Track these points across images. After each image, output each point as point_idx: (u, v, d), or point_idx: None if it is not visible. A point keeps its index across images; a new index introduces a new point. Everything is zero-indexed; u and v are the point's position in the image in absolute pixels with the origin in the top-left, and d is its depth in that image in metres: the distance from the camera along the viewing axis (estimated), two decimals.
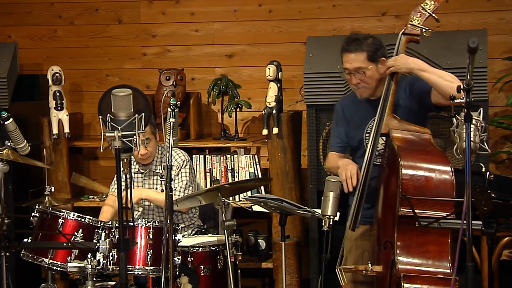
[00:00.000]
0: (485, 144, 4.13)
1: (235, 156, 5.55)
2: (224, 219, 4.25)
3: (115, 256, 4.23)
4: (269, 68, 5.37)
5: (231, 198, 4.83)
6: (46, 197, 4.91)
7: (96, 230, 4.38)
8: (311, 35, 5.50)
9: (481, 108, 4.19)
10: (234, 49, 6.05)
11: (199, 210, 5.12)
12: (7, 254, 4.22)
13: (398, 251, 3.75)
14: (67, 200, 5.57)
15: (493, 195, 3.32)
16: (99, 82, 6.20)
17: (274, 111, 5.32)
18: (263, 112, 5.36)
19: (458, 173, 3.71)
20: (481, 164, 4.56)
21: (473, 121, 4.00)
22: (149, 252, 4.30)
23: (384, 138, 4.10)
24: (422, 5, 4.11)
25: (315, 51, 5.22)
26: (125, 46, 6.17)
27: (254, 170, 5.52)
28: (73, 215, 4.43)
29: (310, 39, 5.37)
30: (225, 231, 4.23)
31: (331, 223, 3.96)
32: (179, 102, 4.22)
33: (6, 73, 5.51)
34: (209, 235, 4.91)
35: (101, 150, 3.52)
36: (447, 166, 3.76)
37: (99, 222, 4.41)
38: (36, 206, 4.56)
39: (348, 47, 4.17)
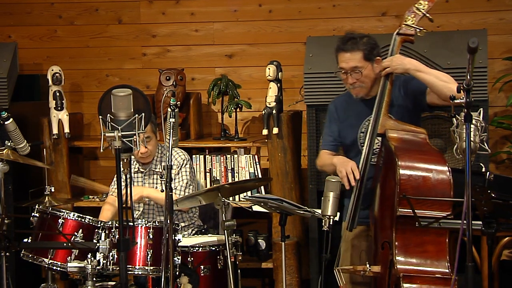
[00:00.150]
0: (485, 144, 4.12)
1: (235, 156, 5.55)
2: (224, 219, 4.25)
3: (115, 256, 4.23)
4: (269, 68, 5.36)
5: (231, 198, 4.82)
6: (46, 197, 4.90)
7: (96, 230, 4.37)
8: (311, 35, 5.50)
9: (481, 108, 4.18)
10: (234, 49, 6.05)
11: (199, 210, 5.12)
12: (7, 254, 4.22)
13: (396, 251, 3.75)
14: (67, 200, 5.57)
15: (493, 195, 3.32)
16: (99, 82, 6.20)
17: (274, 111, 5.31)
18: (263, 112, 5.36)
19: (458, 173, 3.71)
20: (481, 164, 4.55)
21: (473, 121, 3.99)
22: (149, 252, 4.30)
23: (379, 138, 4.09)
24: (416, 5, 4.11)
25: (315, 51, 5.22)
26: (125, 46, 6.16)
27: (254, 170, 5.52)
28: (73, 215, 4.42)
29: (310, 39, 5.37)
30: (225, 231, 4.22)
31: (331, 223, 3.95)
32: (179, 102, 4.21)
33: (6, 73, 5.51)
34: (209, 235, 4.91)
35: (101, 150, 3.52)
36: (444, 166, 3.75)
37: (99, 222, 4.41)
38: (36, 206, 4.56)
39: (344, 46, 4.16)
